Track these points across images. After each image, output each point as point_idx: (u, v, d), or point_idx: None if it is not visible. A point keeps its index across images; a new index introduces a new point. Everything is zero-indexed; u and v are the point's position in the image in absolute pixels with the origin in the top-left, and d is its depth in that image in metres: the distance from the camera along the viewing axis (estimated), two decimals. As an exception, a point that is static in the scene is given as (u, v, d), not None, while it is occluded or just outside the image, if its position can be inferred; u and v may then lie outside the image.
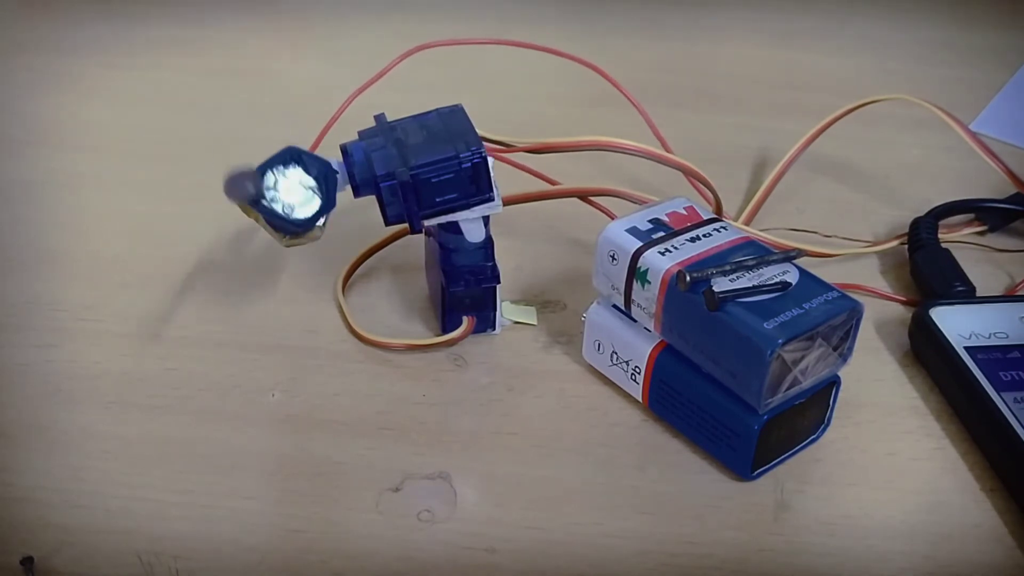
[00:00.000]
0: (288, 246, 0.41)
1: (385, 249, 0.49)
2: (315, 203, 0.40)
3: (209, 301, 0.47)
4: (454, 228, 0.42)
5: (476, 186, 0.41)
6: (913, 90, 0.53)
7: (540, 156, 0.45)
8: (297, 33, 0.71)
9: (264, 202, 0.39)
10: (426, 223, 0.42)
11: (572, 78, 0.54)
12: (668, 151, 0.51)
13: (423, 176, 0.40)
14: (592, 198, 0.48)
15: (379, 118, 0.42)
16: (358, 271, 0.48)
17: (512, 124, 0.46)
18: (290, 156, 0.40)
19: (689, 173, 0.47)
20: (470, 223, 0.42)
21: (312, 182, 0.40)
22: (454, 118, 0.42)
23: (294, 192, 0.40)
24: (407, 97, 0.46)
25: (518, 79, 0.61)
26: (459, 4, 0.74)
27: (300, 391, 0.43)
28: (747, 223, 0.51)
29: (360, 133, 0.42)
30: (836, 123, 0.53)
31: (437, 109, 0.43)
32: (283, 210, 0.39)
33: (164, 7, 0.72)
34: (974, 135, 0.51)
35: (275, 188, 0.39)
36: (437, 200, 0.41)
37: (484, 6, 0.74)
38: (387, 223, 0.41)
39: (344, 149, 0.41)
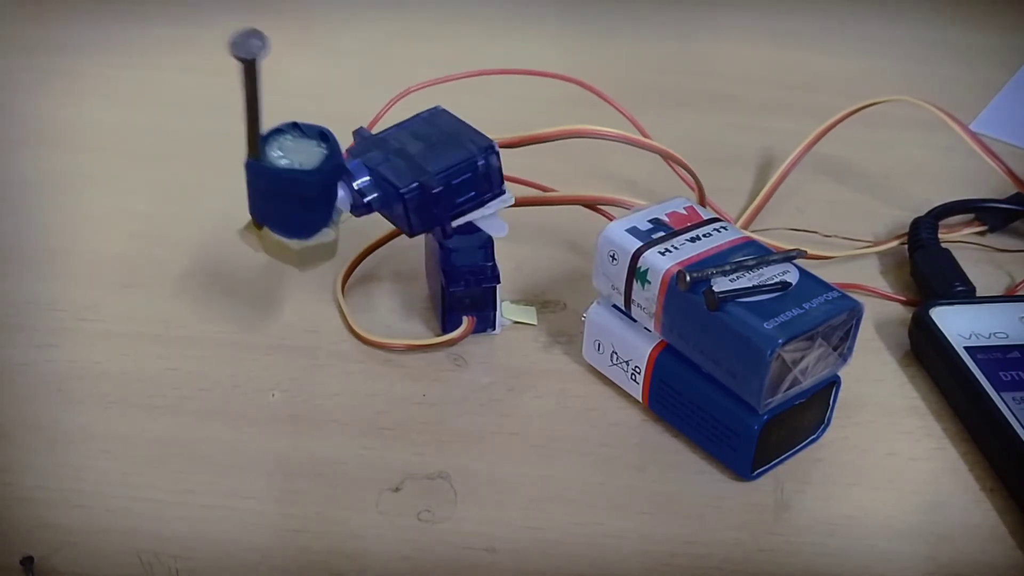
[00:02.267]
0: (301, 265, 0.41)
1: (385, 249, 0.49)
2: (321, 154, 0.39)
3: (209, 301, 0.47)
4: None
5: (490, 183, 0.41)
6: (913, 90, 0.53)
7: (539, 159, 0.45)
8: (297, 33, 0.71)
9: (274, 162, 0.39)
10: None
11: (562, 83, 0.54)
12: (655, 150, 0.51)
13: (450, 181, 0.40)
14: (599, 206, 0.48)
15: (361, 132, 0.42)
16: (358, 271, 0.48)
17: (507, 127, 0.46)
18: (288, 125, 0.40)
19: (668, 158, 0.47)
20: (488, 220, 0.42)
21: (314, 143, 0.40)
22: (442, 120, 0.42)
23: (300, 153, 0.40)
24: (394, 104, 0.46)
25: (511, 86, 0.61)
26: (458, 3, 0.74)
27: (300, 391, 0.43)
28: (747, 225, 0.51)
29: (349, 151, 0.41)
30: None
31: (416, 115, 0.42)
32: (298, 165, 0.39)
33: (164, 7, 0.72)
34: (974, 135, 0.51)
35: (280, 151, 0.40)
36: (458, 202, 0.41)
37: (484, 4, 0.74)
38: (412, 234, 0.41)
39: (348, 153, 0.41)
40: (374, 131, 0.43)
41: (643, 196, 0.49)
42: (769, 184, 0.52)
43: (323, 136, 0.40)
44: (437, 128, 0.42)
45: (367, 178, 0.41)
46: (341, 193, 0.40)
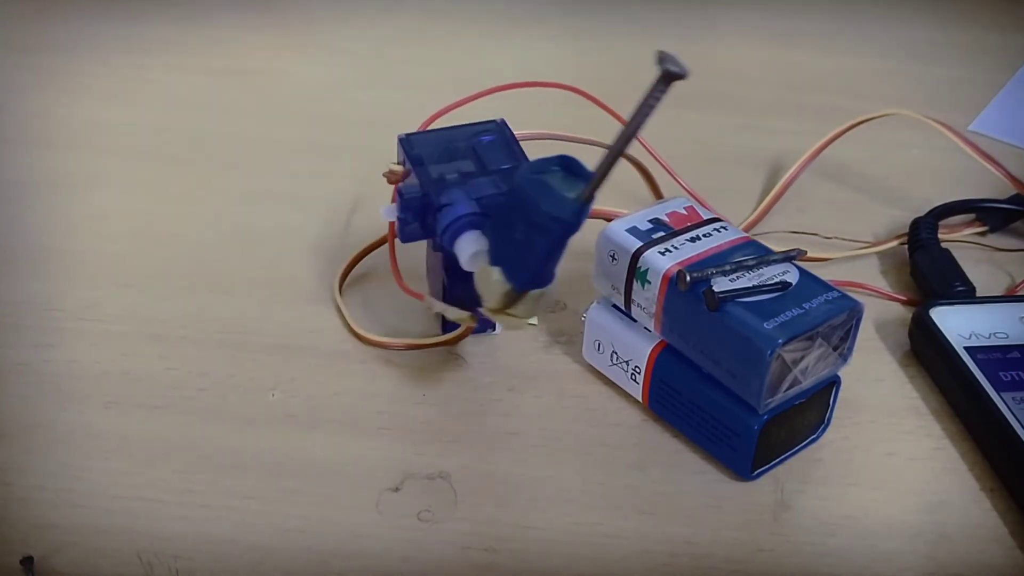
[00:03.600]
0: (542, 306, 0.38)
1: (385, 249, 0.49)
2: (579, 186, 0.36)
3: (209, 301, 0.47)
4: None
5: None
6: (913, 90, 0.53)
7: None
8: (298, 33, 0.71)
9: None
10: None
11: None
12: (656, 157, 0.51)
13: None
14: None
15: (413, 189, 0.41)
16: (359, 271, 0.48)
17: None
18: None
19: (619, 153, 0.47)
20: None
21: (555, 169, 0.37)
22: (427, 137, 0.42)
23: (566, 187, 0.36)
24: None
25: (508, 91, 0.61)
26: (458, 3, 0.74)
27: (300, 391, 0.43)
28: (750, 230, 0.51)
29: (405, 193, 0.40)
30: (834, 121, 0.53)
31: (406, 156, 0.42)
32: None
33: (164, 7, 0.72)
34: (970, 141, 0.51)
35: (553, 183, 0.36)
36: None
37: (484, 4, 0.74)
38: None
39: (443, 204, 0.40)
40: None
41: (644, 201, 0.49)
42: (771, 195, 0.52)
43: (567, 165, 0.37)
44: (435, 146, 0.42)
45: (473, 209, 0.40)
46: (473, 235, 0.39)
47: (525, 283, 0.37)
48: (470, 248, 0.39)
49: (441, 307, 0.41)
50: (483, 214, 0.40)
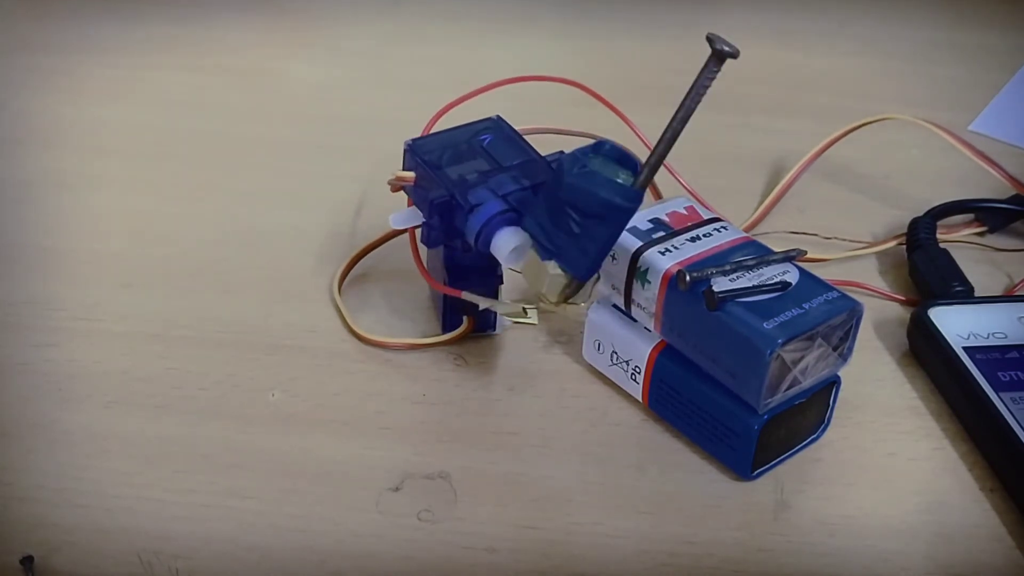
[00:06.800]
0: (566, 298, 0.39)
1: (385, 248, 0.49)
2: (619, 169, 0.37)
3: (209, 301, 0.47)
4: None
5: None
6: (913, 90, 0.53)
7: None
8: (297, 33, 0.71)
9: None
10: None
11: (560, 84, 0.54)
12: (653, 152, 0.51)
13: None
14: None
15: (445, 196, 0.40)
16: (358, 271, 0.48)
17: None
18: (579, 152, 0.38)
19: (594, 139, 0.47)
20: None
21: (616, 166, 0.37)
22: (436, 139, 0.42)
23: (609, 172, 0.37)
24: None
25: (510, 87, 0.61)
26: (459, 2, 0.74)
27: (300, 391, 0.43)
28: (750, 231, 0.51)
29: (434, 198, 0.40)
30: (834, 121, 0.53)
31: (416, 163, 0.41)
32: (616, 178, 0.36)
33: (164, 7, 0.72)
34: (968, 143, 0.51)
35: (598, 170, 0.37)
36: None
37: (485, 4, 0.74)
38: None
39: (473, 205, 0.40)
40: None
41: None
42: (772, 195, 0.53)
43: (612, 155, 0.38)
44: (443, 150, 0.42)
45: (504, 206, 0.40)
46: (511, 231, 0.39)
47: (588, 271, 0.38)
48: (509, 244, 0.39)
49: (488, 302, 0.41)
50: (515, 209, 0.40)
